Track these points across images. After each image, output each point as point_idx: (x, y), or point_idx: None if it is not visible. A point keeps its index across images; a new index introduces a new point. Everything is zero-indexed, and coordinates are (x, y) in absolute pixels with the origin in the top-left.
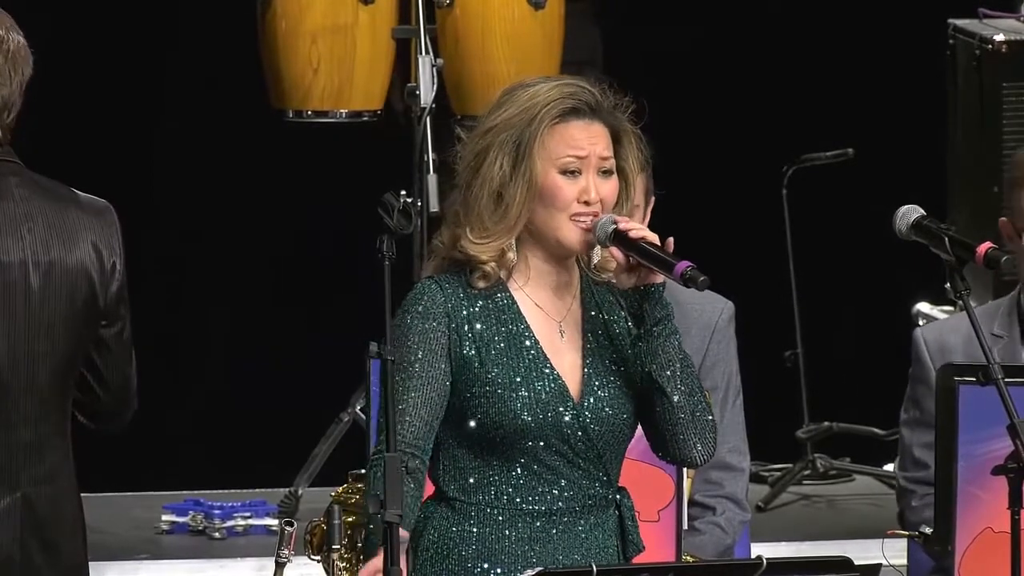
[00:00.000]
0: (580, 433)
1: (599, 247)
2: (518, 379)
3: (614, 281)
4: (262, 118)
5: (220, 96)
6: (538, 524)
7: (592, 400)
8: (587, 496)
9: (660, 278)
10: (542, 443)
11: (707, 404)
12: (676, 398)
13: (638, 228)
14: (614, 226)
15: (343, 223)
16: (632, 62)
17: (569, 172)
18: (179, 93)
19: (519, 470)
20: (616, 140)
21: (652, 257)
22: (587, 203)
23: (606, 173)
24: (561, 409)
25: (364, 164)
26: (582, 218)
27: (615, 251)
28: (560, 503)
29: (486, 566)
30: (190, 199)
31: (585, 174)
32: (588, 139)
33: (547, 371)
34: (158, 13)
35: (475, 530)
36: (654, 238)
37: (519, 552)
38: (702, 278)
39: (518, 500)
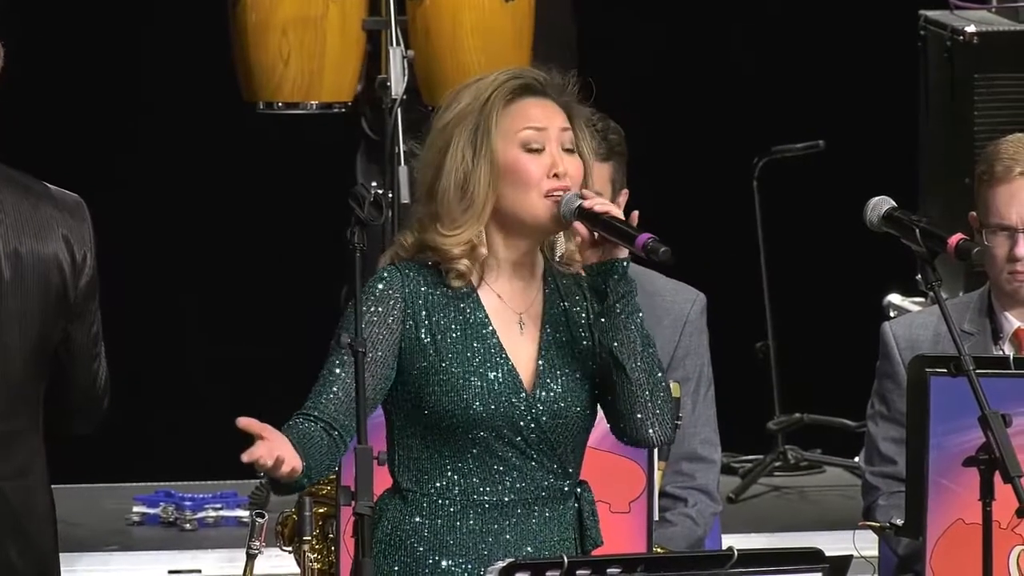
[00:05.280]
0: (532, 424)
1: (563, 240)
2: (471, 368)
3: (580, 271)
4: (234, 110)
5: (192, 89)
6: (490, 516)
7: (545, 392)
8: (540, 488)
9: (624, 253)
10: (494, 433)
11: (667, 385)
12: (635, 375)
13: (603, 203)
14: (579, 202)
15: (317, 214)
16: (604, 54)
17: (532, 149)
18: (151, 86)
19: (471, 461)
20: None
21: (615, 230)
22: (556, 176)
23: (568, 151)
24: (514, 400)
25: (335, 155)
26: (556, 193)
27: (579, 227)
28: (512, 495)
29: (437, 558)
30: (163, 192)
31: (548, 148)
32: (545, 114)
33: (501, 361)
34: (130, 6)
35: (427, 521)
36: (618, 213)
37: (470, 544)
38: (663, 248)
39: (469, 491)
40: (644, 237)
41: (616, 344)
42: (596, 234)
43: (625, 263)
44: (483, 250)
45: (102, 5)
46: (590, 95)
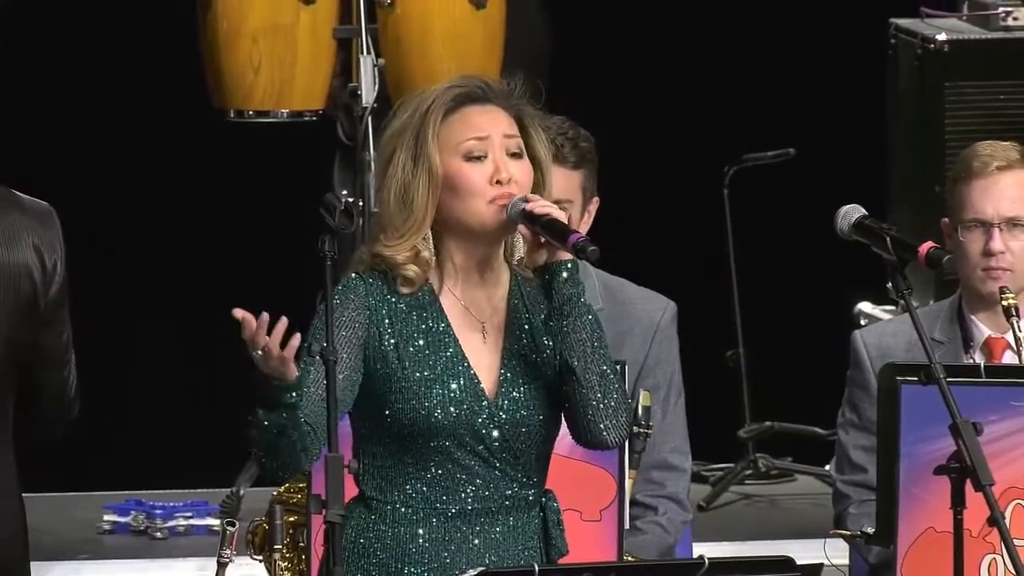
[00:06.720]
0: (495, 433)
1: (520, 242)
2: (433, 377)
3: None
4: (206, 118)
5: (165, 97)
6: (453, 524)
7: (507, 401)
8: (504, 497)
9: (568, 255)
10: (456, 442)
11: (620, 386)
12: (586, 376)
13: (544, 205)
14: (523, 205)
15: (288, 222)
16: (575, 62)
17: (474, 157)
18: (123, 95)
19: (434, 469)
20: (522, 129)
21: (551, 230)
22: (499, 182)
23: (515, 155)
24: (476, 408)
25: (307, 164)
26: (502, 200)
27: (523, 229)
28: (476, 503)
29: (400, 566)
30: (134, 201)
31: (491, 155)
32: (488, 121)
33: (463, 370)
34: (130, 6)
35: (390, 530)
36: (560, 215)
37: (433, 552)
38: (592, 248)
39: (432, 499)
40: (576, 236)
41: (565, 346)
42: (541, 237)
43: (569, 264)
44: (426, 254)
45: (102, 5)
46: (551, 104)
